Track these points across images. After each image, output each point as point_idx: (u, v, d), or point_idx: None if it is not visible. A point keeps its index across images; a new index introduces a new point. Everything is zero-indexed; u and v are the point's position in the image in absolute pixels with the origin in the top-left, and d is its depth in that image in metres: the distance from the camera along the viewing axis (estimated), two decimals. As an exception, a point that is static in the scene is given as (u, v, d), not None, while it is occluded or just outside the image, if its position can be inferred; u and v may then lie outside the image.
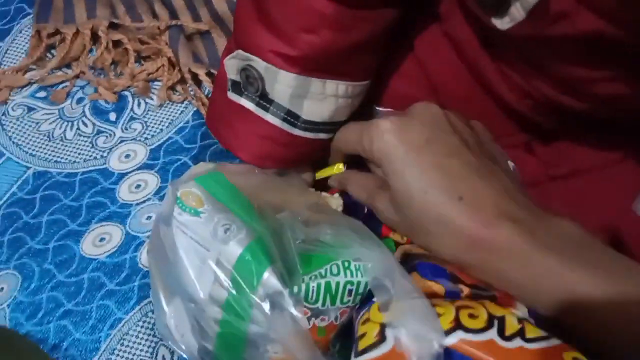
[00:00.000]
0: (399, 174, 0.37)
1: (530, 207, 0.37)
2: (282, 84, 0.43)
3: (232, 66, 0.45)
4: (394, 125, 0.38)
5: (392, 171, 0.38)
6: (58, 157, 0.62)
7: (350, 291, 0.36)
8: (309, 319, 0.36)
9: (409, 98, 0.44)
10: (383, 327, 0.33)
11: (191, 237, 0.38)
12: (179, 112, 0.65)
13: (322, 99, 0.44)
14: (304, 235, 0.37)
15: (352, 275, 0.37)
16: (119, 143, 0.63)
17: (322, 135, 0.47)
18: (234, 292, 0.36)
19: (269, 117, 0.45)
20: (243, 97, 0.45)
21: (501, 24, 0.36)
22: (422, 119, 0.39)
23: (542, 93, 0.41)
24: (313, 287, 0.35)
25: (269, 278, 0.34)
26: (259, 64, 0.43)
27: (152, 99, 0.66)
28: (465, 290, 0.36)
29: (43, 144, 0.63)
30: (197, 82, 0.65)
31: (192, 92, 0.65)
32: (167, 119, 0.64)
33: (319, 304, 0.36)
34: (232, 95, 0.46)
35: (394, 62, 0.51)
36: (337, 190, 0.47)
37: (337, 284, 0.36)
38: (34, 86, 0.67)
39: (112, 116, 0.65)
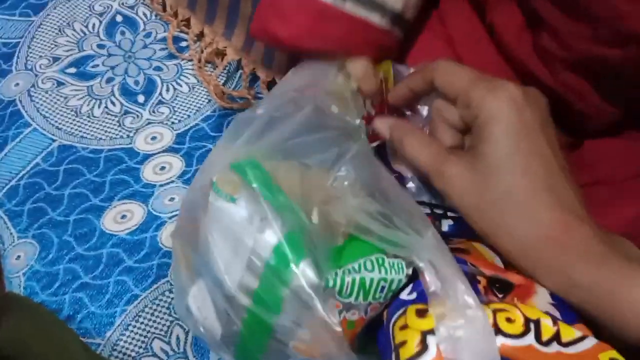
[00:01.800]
0: (503, 144, 0.36)
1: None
2: None
3: None
4: (520, 94, 0.37)
5: (496, 137, 0.36)
6: (84, 132, 0.63)
7: (383, 288, 0.36)
8: (339, 312, 0.36)
9: None
10: (424, 335, 0.33)
11: (226, 223, 0.38)
12: (207, 100, 0.65)
13: None
14: (344, 221, 0.37)
15: (386, 273, 0.37)
16: (146, 125, 0.63)
17: (375, 19, 0.46)
18: (266, 282, 0.36)
19: None
20: None
21: None
22: (540, 104, 0.39)
23: (576, 49, 0.42)
24: (348, 281, 0.36)
25: (305, 270, 0.35)
26: None
27: (180, 85, 0.66)
28: (483, 282, 0.36)
29: (70, 118, 0.63)
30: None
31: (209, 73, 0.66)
32: (195, 106, 0.65)
33: (352, 299, 0.36)
34: None
35: (428, 50, 0.53)
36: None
37: (372, 280, 0.36)
38: (65, 62, 0.67)
39: (141, 98, 0.65)
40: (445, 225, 0.47)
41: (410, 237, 0.36)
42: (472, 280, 0.37)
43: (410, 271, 0.37)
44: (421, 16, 0.51)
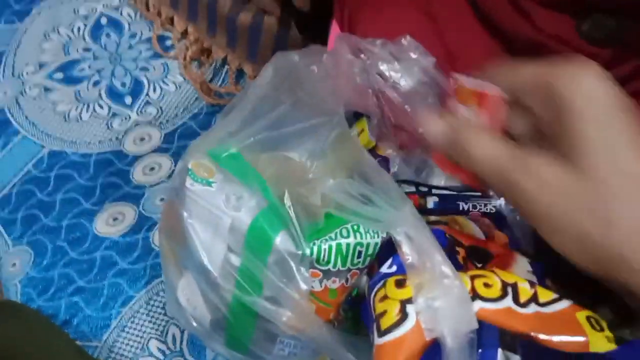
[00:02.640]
0: (603, 128, 0.30)
1: None
2: None
3: None
4: (611, 79, 0.32)
5: (594, 120, 0.30)
6: (73, 137, 0.63)
7: (360, 253, 0.37)
8: (320, 280, 0.37)
9: None
10: (403, 304, 0.34)
11: (203, 206, 0.38)
12: (194, 98, 0.65)
13: None
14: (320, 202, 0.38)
15: (361, 237, 0.37)
16: (134, 126, 0.63)
17: None
18: (247, 257, 0.37)
19: None
20: None
21: None
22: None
23: None
24: (324, 248, 0.36)
25: (282, 241, 0.35)
26: None
27: (167, 84, 0.66)
28: (462, 252, 0.37)
29: (59, 124, 0.64)
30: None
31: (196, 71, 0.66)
32: (182, 104, 0.65)
33: (330, 266, 0.37)
34: None
35: (408, 23, 0.52)
36: None
37: (348, 245, 0.37)
38: (52, 67, 0.68)
39: (128, 100, 0.65)
40: (431, 202, 0.47)
41: (387, 212, 0.36)
42: (451, 252, 0.37)
43: (385, 234, 0.37)
44: None
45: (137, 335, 0.51)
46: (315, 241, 0.37)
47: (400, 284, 0.34)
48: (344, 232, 0.37)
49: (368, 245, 0.38)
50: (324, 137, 0.42)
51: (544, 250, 0.35)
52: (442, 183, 0.51)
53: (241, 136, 0.42)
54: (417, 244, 0.35)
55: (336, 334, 0.38)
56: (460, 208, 0.47)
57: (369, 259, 0.38)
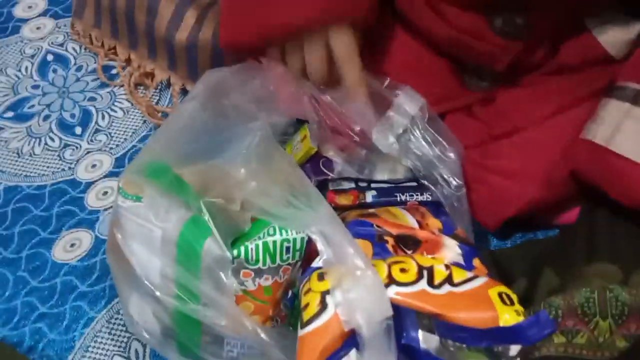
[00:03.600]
0: None
1: None
2: None
3: None
4: None
5: None
6: (27, 171, 0.65)
7: (287, 248, 0.39)
8: (253, 280, 0.39)
9: None
10: (323, 295, 0.36)
11: (136, 222, 0.40)
12: (142, 121, 0.68)
13: None
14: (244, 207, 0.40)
15: (287, 234, 0.39)
16: (86, 154, 0.66)
17: None
18: (180, 268, 0.38)
19: None
20: None
21: None
22: None
23: None
24: (252, 248, 0.38)
25: (210, 246, 0.37)
26: None
27: (115, 111, 0.69)
28: (391, 241, 0.38)
29: (13, 160, 0.66)
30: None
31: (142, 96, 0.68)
32: (131, 128, 0.67)
33: (260, 264, 0.39)
34: None
35: None
36: None
37: (274, 242, 0.39)
38: (2, 107, 0.70)
39: (78, 130, 0.68)
40: (369, 196, 0.49)
41: (304, 213, 0.38)
42: (380, 241, 0.40)
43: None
44: None
45: (101, 354, 0.53)
46: (243, 243, 0.39)
47: (321, 277, 0.37)
48: (271, 231, 0.40)
49: (295, 240, 0.40)
50: (248, 144, 0.44)
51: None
52: (385, 177, 0.53)
53: (169, 151, 0.44)
54: (331, 241, 0.37)
55: (272, 334, 0.40)
56: (398, 199, 0.50)
57: (297, 253, 0.40)
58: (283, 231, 0.39)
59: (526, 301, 0.37)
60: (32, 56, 0.74)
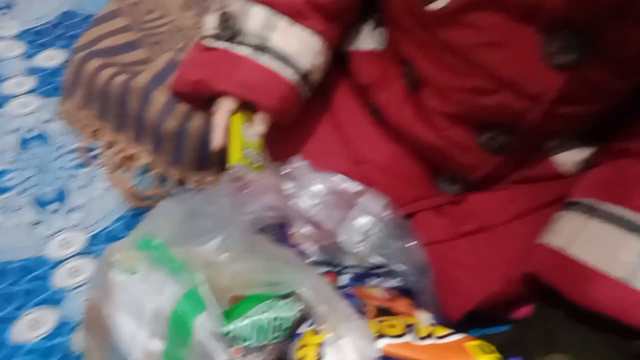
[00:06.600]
0: None
1: None
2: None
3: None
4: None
5: None
6: (-3, 245, 0.63)
7: (278, 326, 0.39)
8: (242, 357, 0.39)
9: (330, 168, 0.50)
10: (320, 346, 0.38)
11: (128, 296, 0.40)
12: (119, 202, 0.68)
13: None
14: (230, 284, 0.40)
15: (278, 312, 0.40)
16: (59, 231, 0.65)
17: (287, 73, 0.51)
18: (171, 341, 0.38)
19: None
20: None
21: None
22: None
23: (457, 101, 0.49)
24: (244, 325, 0.38)
25: (203, 322, 0.37)
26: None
27: (93, 191, 0.69)
28: (374, 311, 0.42)
29: (-18, 233, 0.64)
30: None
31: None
32: (108, 208, 0.67)
33: (251, 341, 0.39)
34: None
35: (316, 134, 0.57)
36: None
37: (266, 320, 0.39)
38: (-23, 180, 0.69)
39: (53, 206, 0.67)
40: (346, 278, 0.51)
41: (291, 275, 0.40)
42: (361, 310, 0.43)
43: (301, 307, 0.40)
44: (310, 105, 0.57)
45: None
46: (236, 320, 0.39)
47: (316, 332, 0.39)
48: (263, 308, 0.40)
49: (285, 318, 0.40)
50: (227, 232, 0.46)
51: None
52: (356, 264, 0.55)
53: (163, 229, 0.45)
54: (323, 297, 0.39)
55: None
56: (371, 283, 0.51)
57: (287, 331, 0.41)
58: (274, 309, 0.39)
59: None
60: (16, 130, 0.74)
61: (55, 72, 0.82)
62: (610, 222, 0.45)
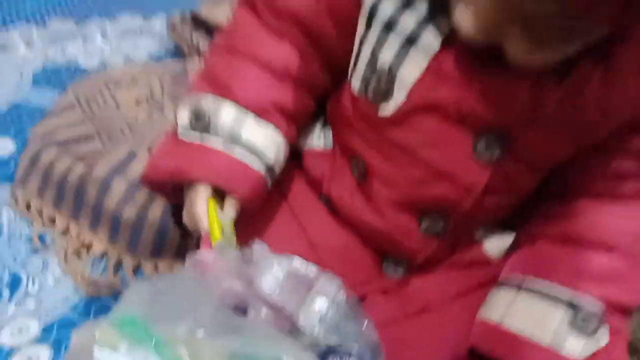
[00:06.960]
0: None
1: None
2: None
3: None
4: None
5: None
6: (-55, 334, 0.63)
7: None
8: None
9: (288, 252, 0.55)
10: None
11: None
12: (73, 289, 0.69)
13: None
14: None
15: None
16: (12, 319, 0.65)
17: (255, 165, 0.56)
18: None
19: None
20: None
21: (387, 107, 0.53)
22: None
23: (402, 190, 0.57)
24: None
25: None
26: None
27: (46, 278, 0.70)
28: None
29: None
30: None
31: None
32: (62, 295, 0.68)
33: None
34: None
35: (275, 225, 0.63)
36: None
37: None
38: None
39: (6, 293, 0.67)
40: None
41: (272, 346, 0.44)
42: None
43: None
44: (268, 196, 0.63)
45: None
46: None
47: None
48: None
49: None
50: (201, 313, 0.49)
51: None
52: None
53: (143, 307, 0.48)
54: None
55: None
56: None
57: None
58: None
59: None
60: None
61: (6, 162, 0.84)
62: (537, 294, 0.54)
